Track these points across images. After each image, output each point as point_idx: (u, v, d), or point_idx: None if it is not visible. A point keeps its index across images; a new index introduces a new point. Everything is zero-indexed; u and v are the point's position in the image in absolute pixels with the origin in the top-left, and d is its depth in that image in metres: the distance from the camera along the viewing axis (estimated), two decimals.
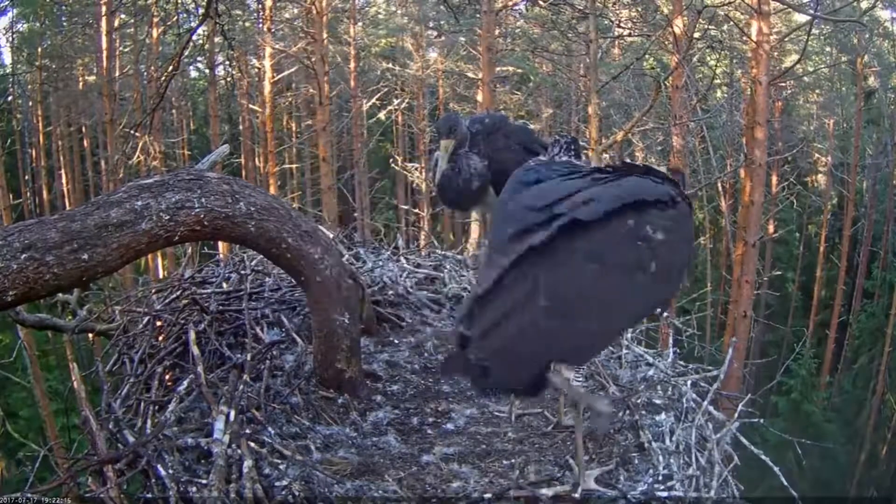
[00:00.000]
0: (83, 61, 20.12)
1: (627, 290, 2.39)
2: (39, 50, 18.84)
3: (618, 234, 2.35)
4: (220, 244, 8.41)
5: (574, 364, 2.61)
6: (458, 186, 3.84)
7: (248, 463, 2.61)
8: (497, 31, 13.39)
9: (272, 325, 3.82)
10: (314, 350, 3.38)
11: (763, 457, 3.37)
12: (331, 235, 4.48)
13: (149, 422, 2.97)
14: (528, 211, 2.39)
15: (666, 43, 11.00)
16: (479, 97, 12.43)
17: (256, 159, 18.86)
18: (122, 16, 15.07)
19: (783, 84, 16.45)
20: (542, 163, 2.98)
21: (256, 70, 17.92)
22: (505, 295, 2.27)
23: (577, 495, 2.62)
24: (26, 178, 21.12)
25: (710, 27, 12.24)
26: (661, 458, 2.84)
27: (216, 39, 12.50)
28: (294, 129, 22.15)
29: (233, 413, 2.84)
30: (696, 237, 18.30)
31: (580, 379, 3.68)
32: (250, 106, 18.19)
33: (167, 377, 3.44)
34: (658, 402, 3.34)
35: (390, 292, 4.52)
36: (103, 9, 14.06)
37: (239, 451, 2.66)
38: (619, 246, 2.36)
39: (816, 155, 21.20)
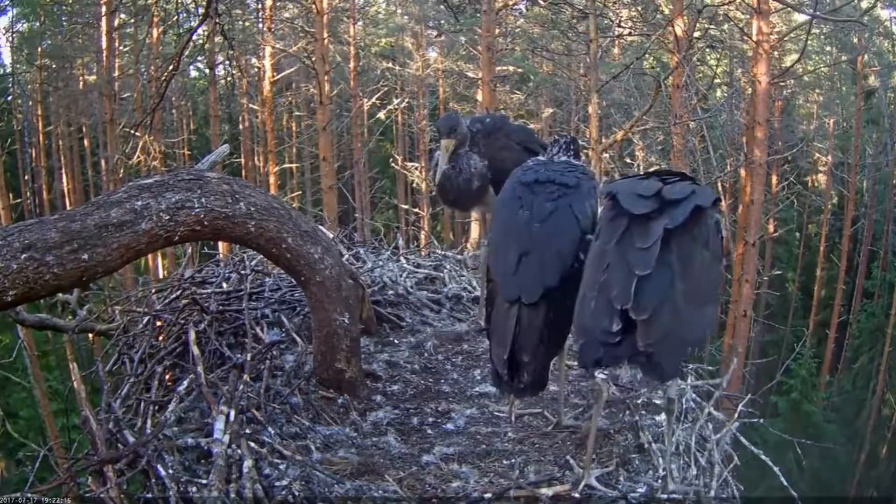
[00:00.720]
0: (83, 61, 20.12)
1: (718, 277, 2.54)
2: (39, 50, 18.84)
3: (713, 227, 2.48)
4: (220, 244, 8.41)
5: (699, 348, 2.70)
6: (459, 186, 3.85)
7: (248, 463, 2.61)
8: (497, 31, 13.39)
9: (272, 325, 3.83)
10: (314, 350, 3.38)
11: (763, 457, 3.37)
12: (331, 235, 4.49)
13: (149, 422, 2.97)
14: (640, 198, 2.43)
15: (666, 42, 11.00)
16: (479, 97, 12.43)
17: (256, 159, 18.86)
18: (122, 15, 15.06)
19: (783, 83, 16.44)
20: (541, 162, 2.99)
21: (256, 70, 17.92)
22: (659, 277, 2.27)
23: (577, 494, 2.62)
24: (26, 178, 21.12)
25: (710, 27, 12.24)
26: (660, 459, 2.83)
27: (216, 39, 12.49)
28: (294, 128, 22.16)
29: (233, 413, 2.83)
30: None
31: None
32: (250, 105, 18.19)
33: (167, 377, 3.44)
34: (658, 402, 3.34)
35: (390, 292, 4.52)
36: (103, 9, 14.05)
37: (239, 451, 2.66)
38: (715, 238, 2.49)
39: (816, 154, 21.20)
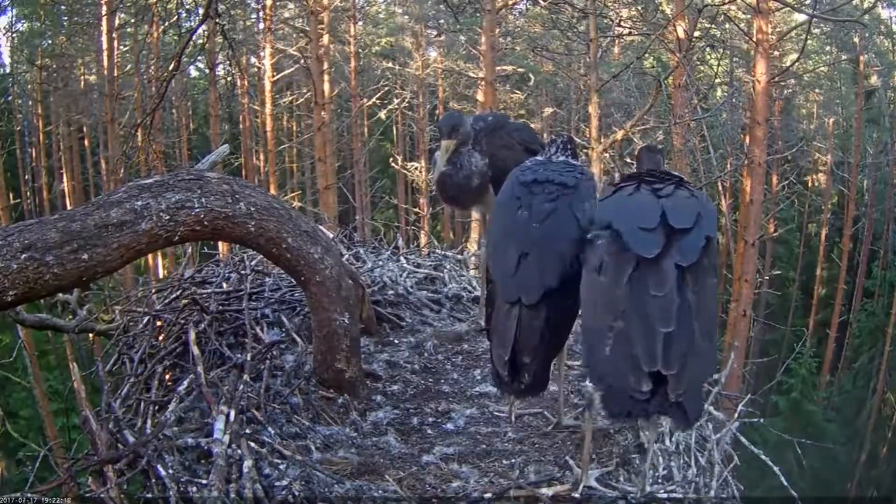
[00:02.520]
0: (83, 61, 20.12)
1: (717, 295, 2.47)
2: (39, 50, 18.84)
3: (714, 247, 2.41)
4: (220, 244, 8.41)
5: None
6: (458, 183, 3.84)
7: (248, 463, 2.61)
8: (497, 31, 13.38)
9: (272, 325, 3.82)
10: (314, 350, 3.38)
11: (763, 457, 3.37)
12: (331, 235, 4.48)
13: (149, 422, 2.97)
14: (646, 233, 2.33)
15: (667, 42, 11.00)
16: (480, 96, 12.43)
17: (256, 159, 18.86)
18: (122, 15, 15.06)
19: (783, 83, 16.44)
20: (540, 162, 2.98)
21: (256, 70, 17.93)
22: (682, 326, 2.21)
23: (577, 494, 2.62)
24: (26, 178, 21.12)
25: (710, 26, 12.24)
26: (661, 458, 2.83)
27: (216, 39, 12.49)
28: (294, 128, 22.17)
29: (233, 413, 2.83)
30: None
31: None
32: (250, 105, 18.20)
33: (167, 377, 3.44)
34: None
35: (390, 292, 4.51)
36: (104, 9, 14.05)
37: (239, 451, 2.66)
38: (715, 258, 2.41)
39: (816, 154, 21.21)
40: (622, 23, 12.43)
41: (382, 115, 19.06)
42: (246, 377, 3.14)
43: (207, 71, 18.26)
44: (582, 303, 2.46)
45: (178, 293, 4.08)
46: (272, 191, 15.01)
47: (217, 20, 6.25)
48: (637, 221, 2.37)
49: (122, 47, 17.02)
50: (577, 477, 2.67)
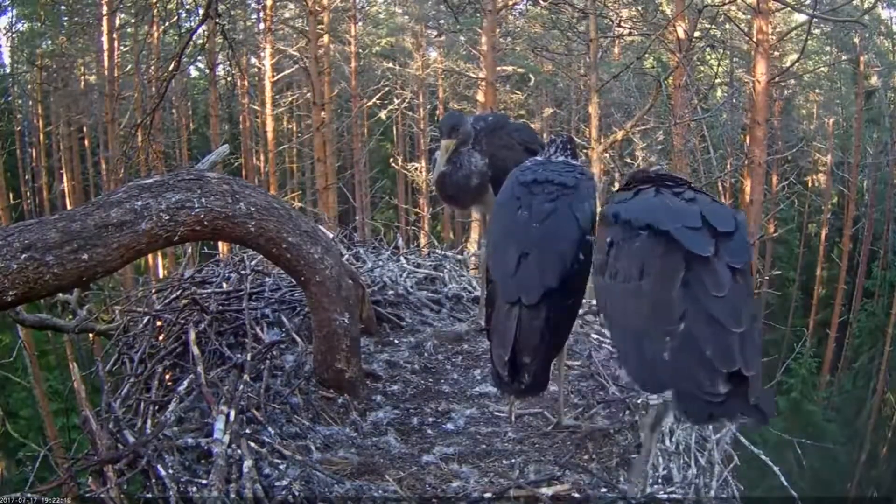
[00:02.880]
0: (83, 61, 20.13)
1: None
2: (39, 50, 18.85)
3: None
4: (221, 244, 8.41)
5: None
6: (458, 182, 3.85)
7: (248, 463, 2.61)
8: (497, 31, 13.39)
9: (272, 325, 3.82)
10: (314, 350, 3.38)
11: (763, 457, 3.38)
12: (331, 235, 4.48)
13: (149, 422, 2.97)
14: (694, 231, 2.27)
15: (667, 42, 11.00)
16: (480, 96, 12.43)
17: (256, 159, 18.87)
18: (122, 15, 15.06)
19: (783, 83, 16.44)
20: (539, 162, 2.99)
21: (256, 70, 17.94)
22: (749, 325, 2.18)
23: (577, 494, 2.62)
24: (26, 178, 21.13)
25: (710, 26, 12.24)
26: (661, 458, 2.83)
27: (216, 39, 12.48)
28: (294, 129, 22.16)
29: (233, 413, 2.83)
30: None
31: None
32: (250, 105, 18.21)
33: (167, 377, 3.44)
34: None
35: (390, 292, 4.51)
36: (104, 8, 14.05)
37: (239, 451, 2.66)
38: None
39: (816, 154, 21.22)
40: (622, 23, 12.43)
41: (382, 115, 19.06)
42: (246, 377, 3.14)
43: (207, 71, 18.25)
44: (613, 311, 2.40)
45: (178, 293, 4.08)
46: (272, 191, 15.02)
47: (217, 20, 6.25)
48: (681, 222, 2.30)
49: (122, 47, 17.02)
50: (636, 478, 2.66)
